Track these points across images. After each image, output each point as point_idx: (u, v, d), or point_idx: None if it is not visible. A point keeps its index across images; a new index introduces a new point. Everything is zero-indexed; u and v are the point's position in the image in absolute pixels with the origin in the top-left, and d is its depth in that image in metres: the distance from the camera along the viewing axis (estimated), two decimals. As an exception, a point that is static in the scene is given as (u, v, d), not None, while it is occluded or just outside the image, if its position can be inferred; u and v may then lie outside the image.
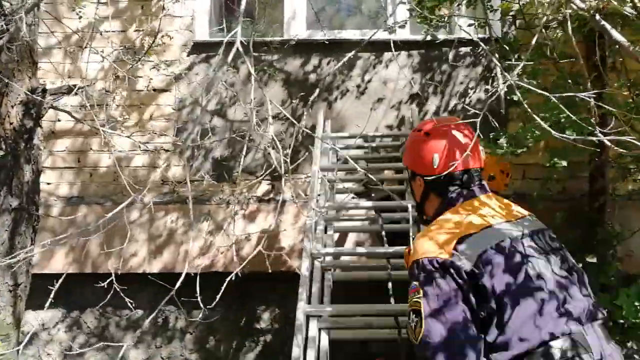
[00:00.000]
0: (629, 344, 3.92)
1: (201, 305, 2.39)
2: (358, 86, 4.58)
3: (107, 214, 2.54)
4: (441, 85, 4.49)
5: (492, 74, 4.31)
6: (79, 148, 4.56)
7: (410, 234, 3.08)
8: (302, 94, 4.53)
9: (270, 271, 4.25)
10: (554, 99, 1.54)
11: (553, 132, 1.51)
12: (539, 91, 1.52)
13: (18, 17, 2.75)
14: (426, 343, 1.77)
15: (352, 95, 4.57)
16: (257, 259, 2.79)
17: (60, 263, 4.38)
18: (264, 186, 4.48)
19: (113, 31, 4.55)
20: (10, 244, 3.08)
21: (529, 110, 1.64)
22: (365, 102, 4.55)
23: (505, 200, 2.12)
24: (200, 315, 2.88)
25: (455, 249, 1.85)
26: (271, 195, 4.46)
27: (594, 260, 3.41)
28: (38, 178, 3.37)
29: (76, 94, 3.19)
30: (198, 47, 4.56)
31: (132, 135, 4.35)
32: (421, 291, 1.83)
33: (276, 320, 4.43)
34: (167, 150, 4.50)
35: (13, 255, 2.71)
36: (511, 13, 4.21)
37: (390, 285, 3.03)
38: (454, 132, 2.12)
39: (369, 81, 4.57)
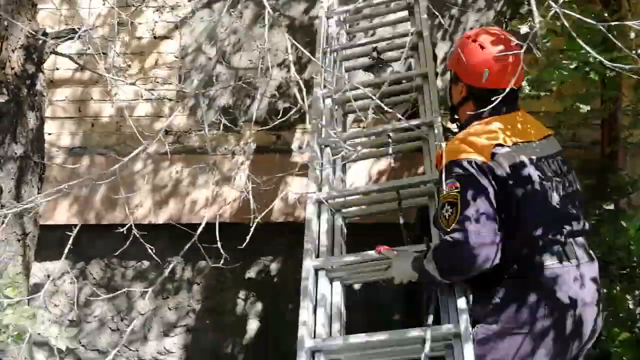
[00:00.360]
0: (636, 292, 3.93)
1: (222, 251, 2.35)
2: (365, 32, 4.44)
3: (110, 164, 2.49)
4: (450, 31, 4.37)
5: (506, 19, 4.19)
6: (80, 97, 4.44)
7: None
8: (307, 39, 4.39)
9: (278, 221, 4.26)
10: (600, 27, 1.45)
11: (602, 58, 1.41)
12: (583, 17, 1.42)
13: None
14: (459, 231, 2.04)
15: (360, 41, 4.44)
16: (264, 209, 2.77)
17: (64, 214, 4.32)
18: (270, 136, 4.39)
19: (111, -25, 4.37)
20: (17, 193, 3.01)
21: (573, 33, 1.54)
22: (373, 50, 4.42)
23: (532, 118, 2.39)
24: (211, 263, 2.85)
25: (492, 155, 2.12)
26: (277, 145, 4.38)
27: (611, 207, 3.37)
28: (42, 126, 3.28)
29: (80, 37, 3.06)
30: (201, -9, 4.40)
31: (135, 84, 4.25)
32: (459, 186, 2.08)
33: (284, 270, 4.41)
34: (170, 100, 4.39)
35: (23, 203, 2.64)
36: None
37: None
38: (505, 47, 2.25)
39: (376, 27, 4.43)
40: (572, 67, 2.53)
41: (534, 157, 2.18)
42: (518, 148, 2.17)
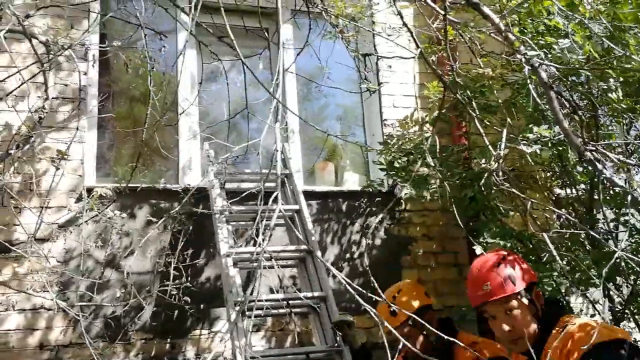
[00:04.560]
0: None
1: None
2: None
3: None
4: (338, 235, 4.66)
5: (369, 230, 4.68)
6: None
7: None
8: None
9: None
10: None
11: None
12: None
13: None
14: None
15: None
16: None
17: None
18: (163, 346, 4.06)
19: (-18, 172, 3.98)
20: None
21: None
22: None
23: None
24: None
25: None
26: (173, 355, 4.05)
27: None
28: None
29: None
30: (89, 193, 4.16)
31: (5, 294, 3.75)
32: None
33: None
34: (48, 310, 3.88)
35: None
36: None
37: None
38: None
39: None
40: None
41: None
42: None
